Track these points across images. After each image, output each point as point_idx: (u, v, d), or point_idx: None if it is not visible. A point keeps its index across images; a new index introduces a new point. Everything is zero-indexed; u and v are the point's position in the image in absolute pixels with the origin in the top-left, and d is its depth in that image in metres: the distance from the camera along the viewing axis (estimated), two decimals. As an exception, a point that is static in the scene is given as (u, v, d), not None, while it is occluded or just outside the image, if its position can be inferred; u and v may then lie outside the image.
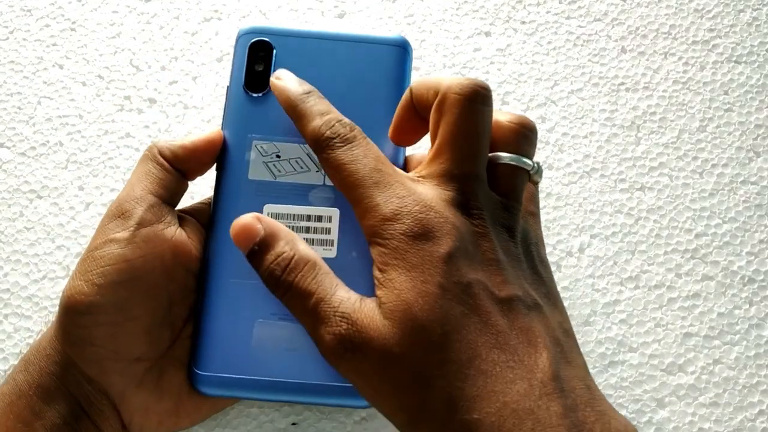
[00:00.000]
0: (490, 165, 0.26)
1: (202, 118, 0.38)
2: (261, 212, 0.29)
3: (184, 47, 0.40)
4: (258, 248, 0.25)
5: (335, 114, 0.27)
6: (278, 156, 0.30)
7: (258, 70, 0.31)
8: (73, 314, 0.27)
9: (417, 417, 0.22)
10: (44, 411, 0.27)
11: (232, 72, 0.31)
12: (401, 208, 0.24)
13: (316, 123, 0.27)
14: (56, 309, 0.34)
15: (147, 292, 0.28)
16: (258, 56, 0.31)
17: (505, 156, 0.26)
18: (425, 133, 0.29)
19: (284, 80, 0.29)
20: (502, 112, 0.27)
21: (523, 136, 0.27)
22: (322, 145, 0.26)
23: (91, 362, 0.27)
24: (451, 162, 0.25)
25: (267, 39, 0.31)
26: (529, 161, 0.27)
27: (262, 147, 0.30)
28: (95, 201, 0.36)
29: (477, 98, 0.25)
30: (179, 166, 0.30)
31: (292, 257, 0.25)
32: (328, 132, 0.26)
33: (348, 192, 0.25)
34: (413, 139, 0.29)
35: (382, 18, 0.41)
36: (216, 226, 0.30)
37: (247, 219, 0.26)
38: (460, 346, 0.22)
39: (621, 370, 0.34)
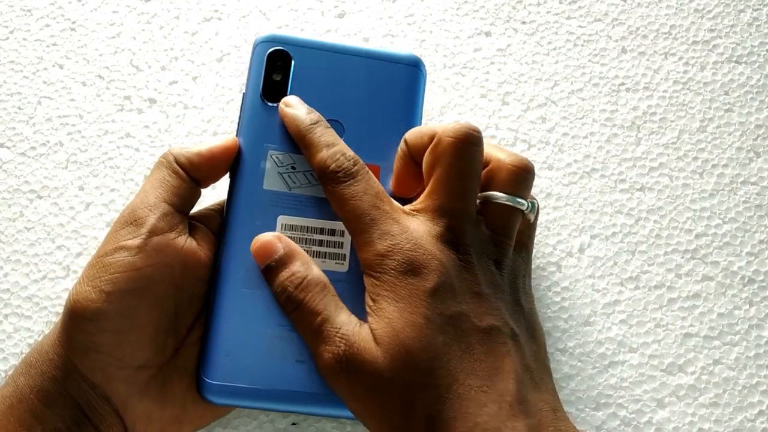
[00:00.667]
0: (486, 202, 0.28)
1: (202, 118, 0.38)
2: (275, 223, 0.30)
3: (184, 47, 0.39)
4: (275, 265, 0.28)
5: (341, 146, 0.29)
6: (293, 167, 0.30)
7: (276, 79, 0.31)
8: (79, 320, 0.26)
9: None
10: (45, 415, 0.27)
11: (248, 80, 0.31)
12: (393, 245, 0.26)
13: (323, 155, 0.29)
14: (57, 309, 0.34)
15: (155, 301, 0.27)
16: (276, 66, 0.31)
17: (500, 196, 0.28)
18: (421, 181, 0.30)
19: (293, 107, 0.30)
20: (504, 151, 0.29)
21: (522, 177, 0.29)
22: (326, 178, 0.28)
23: (95, 369, 0.27)
24: (443, 199, 0.27)
25: (286, 49, 0.31)
26: (523, 201, 0.29)
27: (277, 157, 0.30)
28: (95, 201, 0.36)
29: (469, 140, 0.28)
30: (194, 173, 0.30)
31: (305, 277, 0.27)
32: (333, 165, 0.28)
33: (348, 225, 0.28)
34: (414, 189, 0.30)
35: (382, 18, 0.40)
36: (229, 236, 0.29)
37: (268, 237, 0.28)
38: (442, 373, 0.25)
39: (621, 371, 0.34)
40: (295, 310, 0.27)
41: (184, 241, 0.28)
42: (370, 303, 0.27)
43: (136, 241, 0.27)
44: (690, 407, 0.34)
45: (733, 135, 0.39)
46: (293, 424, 0.33)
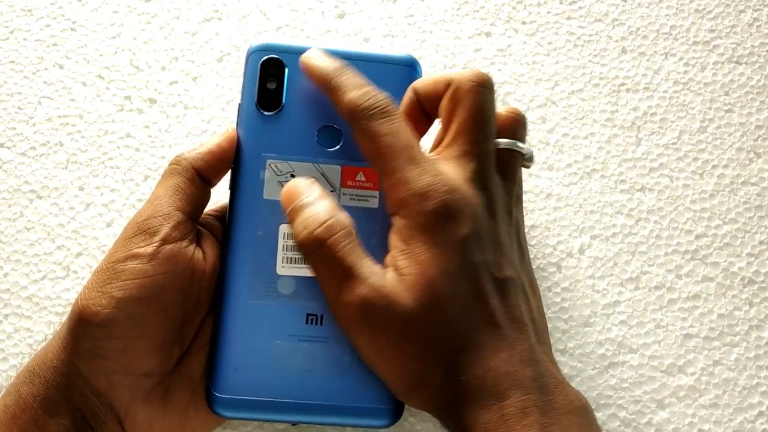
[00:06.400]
0: None
1: (202, 118, 0.38)
2: (277, 232, 0.29)
3: (184, 47, 0.39)
4: (300, 205, 0.27)
5: (372, 88, 0.28)
6: (293, 175, 0.30)
7: (270, 88, 0.31)
8: (87, 325, 0.26)
9: (417, 383, 0.25)
10: (48, 425, 0.26)
11: (243, 90, 0.31)
12: (431, 186, 0.26)
13: (354, 94, 0.28)
14: (57, 309, 0.34)
15: (164, 309, 0.27)
16: (270, 74, 0.31)
17: (503, 141, 0.29)
18: (425, 131, 0.31)
19: (315, 57, 0.29)
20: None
21: (518, 122, 0.30)
22: (359, 115, 0.27)
23: (101, 375, 0.27)
24: (470, 143, 0.27)
25: (278, 57, 0.31)
26: (523, 145, 0.29)
27: (276, 166, 0.30)
28: (95, 201, 0.36)
29: (488, 85, 0.28)
30: (209, 173, 0.29)
31: (332, 217, 0.26)
32: (366, 102, 0.27)
33: (381, 162, 0.27)
34: (419, 138, 0.30)
35: (382, 18, 0.40)
36: (232, 248, 0.29)
37: (297, 181, 0.28)
38: (463, 321, 0.25)
39: (621, 372, 0.34)
40: (317, 251, 0.26)
41: (194, 250, 0.28)
42: (400, 245, 0.26)
43: (149, 249, 0.27)
44: (690, 408, 0.34)
45: (734, 136, 0.39)
46: (293, 424, 0.33)
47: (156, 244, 0.27)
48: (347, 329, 0.26)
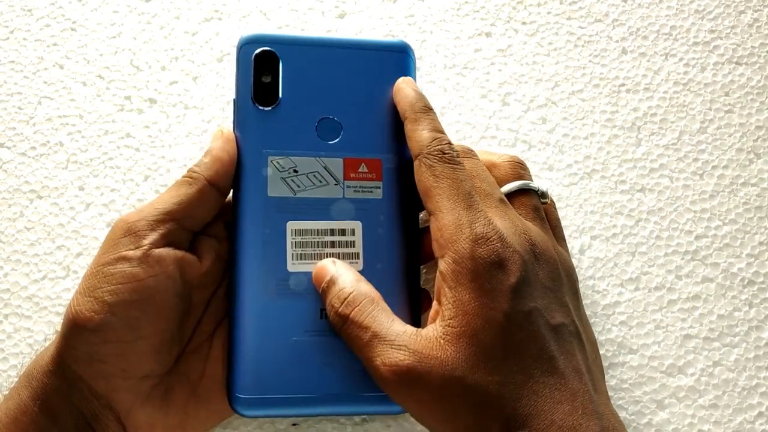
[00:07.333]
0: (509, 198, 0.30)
1: (202, 118, 0.38)
2: (284, 229, 0.29)
3: (184, 47, 0.39)
4: (326, 286, 0.28)
5: (448, 138, 0.29)
6: (296, 171, 0.30)
7: (265, 82, 0.30)
8: (82, 331, 0.26)
9: None
10: (49, 428, 0.26)
11: (237, 85, 0.30)
12: (486, 233, 0.26)
13: (433, 134, 0.29)
14: (57, 309, 0.34)
15: (158, 311, 0.27)
16: (264, 67, 0.30)
17: (514, 185, 0.30)
18: None
19: (408, 83, 0.31)
20: (493, 153, 0.32)
21: (520, 166, 0.31)
22: (431, 154, 0.28)
23: (100, 379, 0.27)
24: (492, 198, 0.29)
25: (272, 49, 0.30)
26: (533, 183, 0.30)
27: (278, 162, 0.30)
28: (95, 201, 0.36)
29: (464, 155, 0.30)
30: (222, 181, 0.29)
31: (351, 292, 0.27)
32: (441, 146, 0.28)
33: (439, 201, 0.27)
34: None
35: (382, 18, 0.40)
36: (241, 248, 0.29)
37: (323, 262, 0.29)
38: (518, 369, 0.24)
39: (621, 372, 0.34)
40: (343, 327, 0.27)
41: (185, 251, 0.28)
42: (448, 292, 0.26)
43: (138, 252, 0.27)
44: (690, 409, 0.34)
45: (734, 136, 0.39)
46: (293, 424, 0.33)
47: (145, 247, 0.27)
48: (388, 393, 0.26)
